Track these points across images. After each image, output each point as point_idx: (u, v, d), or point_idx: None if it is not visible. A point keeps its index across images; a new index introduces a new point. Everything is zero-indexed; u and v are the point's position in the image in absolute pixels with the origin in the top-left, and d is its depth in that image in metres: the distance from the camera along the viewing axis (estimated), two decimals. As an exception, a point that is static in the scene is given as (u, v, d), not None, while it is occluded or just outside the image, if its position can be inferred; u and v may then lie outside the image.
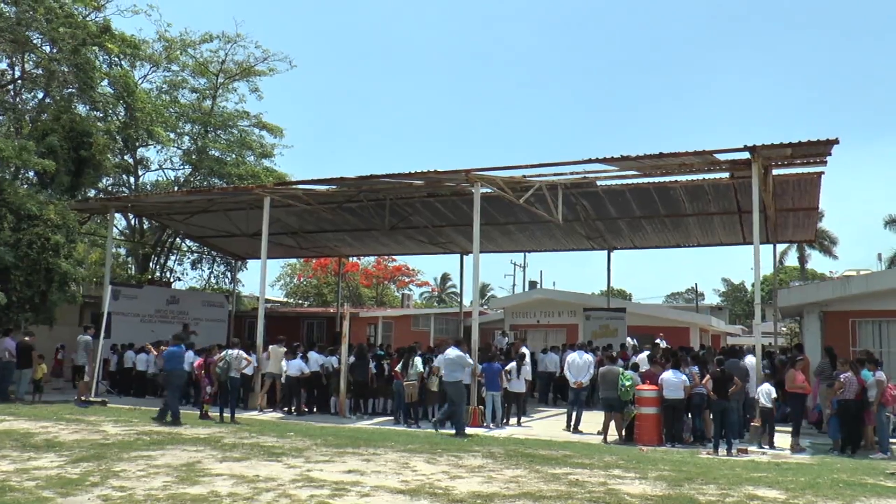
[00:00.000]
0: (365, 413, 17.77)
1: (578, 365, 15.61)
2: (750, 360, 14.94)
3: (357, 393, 17.67)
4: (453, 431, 13.90)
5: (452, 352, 14.56)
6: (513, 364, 16.23)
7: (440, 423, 14.62)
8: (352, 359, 17.43)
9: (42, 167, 20.31)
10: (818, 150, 14.88)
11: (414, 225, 25.19)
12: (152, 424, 14.05)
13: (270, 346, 18.58)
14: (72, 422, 14.16)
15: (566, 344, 24.08)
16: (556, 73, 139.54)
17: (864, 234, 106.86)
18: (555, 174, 17.63)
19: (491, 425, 15.52)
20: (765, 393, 13.44)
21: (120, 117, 27.73)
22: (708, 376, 13.22)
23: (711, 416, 13.32)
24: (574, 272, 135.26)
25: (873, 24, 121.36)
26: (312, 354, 17.95)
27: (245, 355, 16.30)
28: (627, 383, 13.81)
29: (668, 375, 13.41)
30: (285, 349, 18.22)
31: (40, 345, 19.86)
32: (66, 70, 23.56)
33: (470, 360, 14.81)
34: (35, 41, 23.41)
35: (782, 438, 13.44)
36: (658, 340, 23.48)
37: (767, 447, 13.20)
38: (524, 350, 17.82)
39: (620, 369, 14.32)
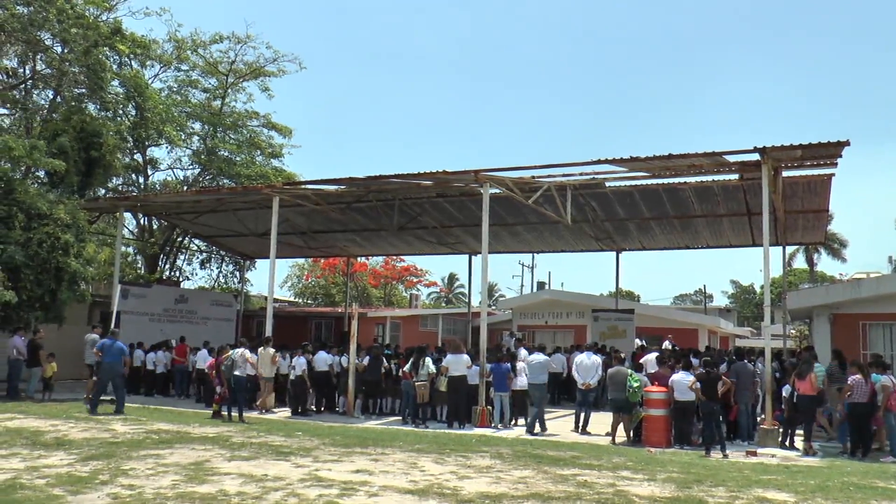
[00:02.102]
0: (373, 413, 17.78)
1: (586, 366, 15.56)
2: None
3: (368, 393, 17.71)
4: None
5: (539, 356, 15.62)
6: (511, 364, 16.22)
7: (531, 428, 14.82)
8: (366, 359, 17.46)
9: (52, 167, 20.40)
10: (828, 152, 14.81)
11: (422, 225, 25.19)
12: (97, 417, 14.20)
13: (259, 350, 17.70)
14: (81, 420, 14.24)
15: (574, 345, 24.09)
16: (566, 75, 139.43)
17: (874, 236, 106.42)
18: (564, 175, 17.62)
19: (499, 426, 15.53)
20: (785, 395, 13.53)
21: (130, 117, 27.83)
22: (693, 378, 13.14)
23: (701, 420, 13.28)
24: (582, 273, 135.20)
25: (883, 25, 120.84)
26: (321, 354, 17.94)
27: (249, 355, 16.32)
28: (635, 385, 13.78)
29: (679, 377, 13.36)
30: (273, 350, 17.94)
31: (51, 344, 19.95)
32: (76, 70, 23.66)
33: (554, 364, 15.17)
34: (46, 42, 23.52)
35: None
36: (666, 342, 23.46)
37: (787, 448, 13.21)
38: (522, 351, 17.86)
39: (629, 370, 14.29)
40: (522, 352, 17.64)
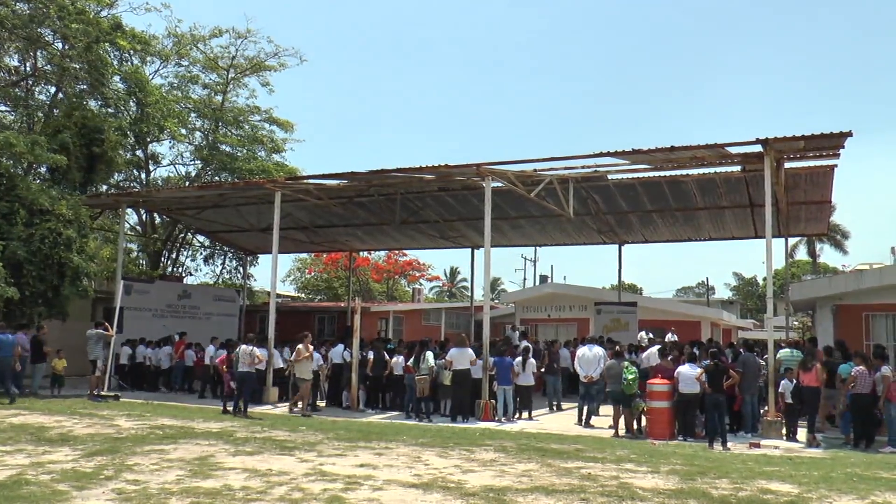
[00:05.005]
0: (377, 407, 17.78)
1: (588, 359, 15.51)
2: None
3: (373, 387, 17.71)
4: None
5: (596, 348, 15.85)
6: (518, 359, 16.21)
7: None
8: (371, 353, 17.47)
9: (54, 162, 20.40)
10: (831, 143, 14.79)
11: (425, 219, 25.19)
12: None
13: (299, 347, 16.97)
14: (85, 416, 14.26)
15: (577, 338, 24.06)
16: (567, 68, 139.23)
17: (877, 227, 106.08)
18: (566, 168, 17.60)
19: (502, 419, 15.53)
20: (786, 388, 13.47)
21: (131, 113, 27.82)
22: (701, 370, 13.11)
23: (704, 412, 13.24)
24: (585, 266, 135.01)
25: (886, 13, 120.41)
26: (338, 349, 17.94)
27: (258, 352, 16.31)
28: (630, 377, 13.71)
29: (685, 369, 13.31)
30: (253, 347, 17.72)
31: (55, 340, 19.95)
32: (77, 66, 23.67)
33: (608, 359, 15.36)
34: (47, 38, 23.52)
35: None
36: (669, 335, 23.43)
37: (790, 440, 13.19)
38: (526, 344, 17.85)
39: (626, 363, 14.26)
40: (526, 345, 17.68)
